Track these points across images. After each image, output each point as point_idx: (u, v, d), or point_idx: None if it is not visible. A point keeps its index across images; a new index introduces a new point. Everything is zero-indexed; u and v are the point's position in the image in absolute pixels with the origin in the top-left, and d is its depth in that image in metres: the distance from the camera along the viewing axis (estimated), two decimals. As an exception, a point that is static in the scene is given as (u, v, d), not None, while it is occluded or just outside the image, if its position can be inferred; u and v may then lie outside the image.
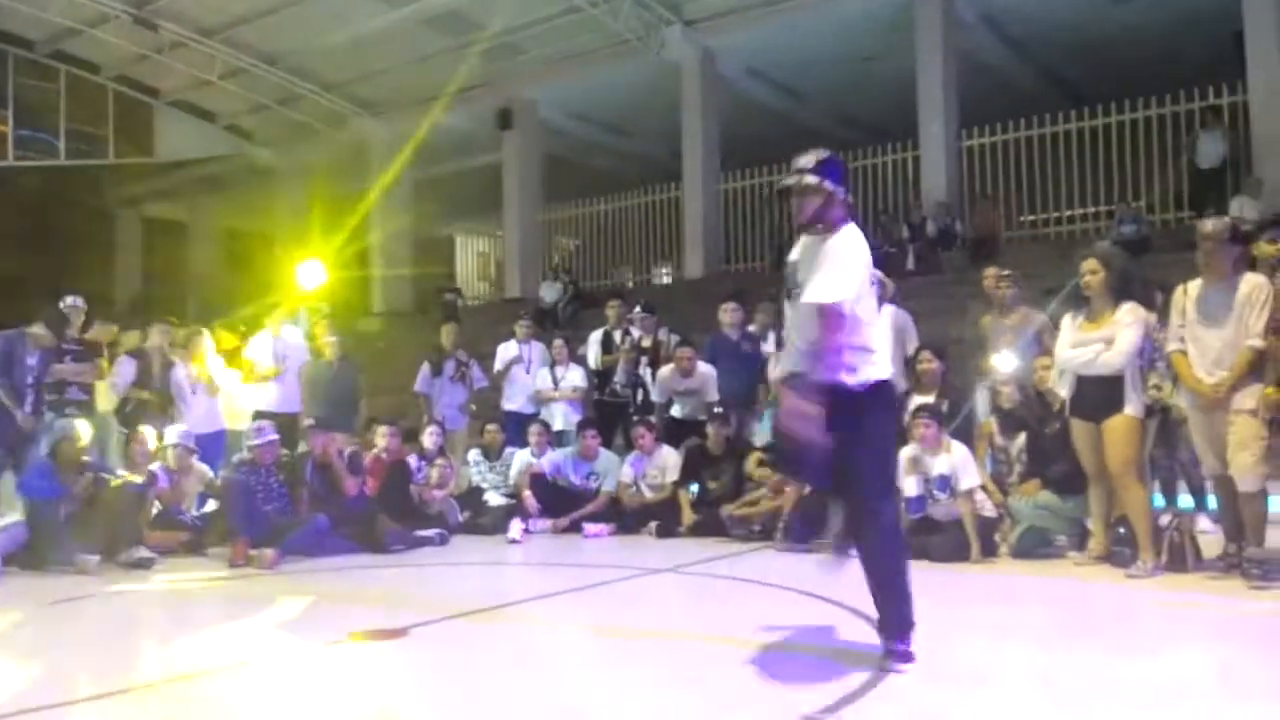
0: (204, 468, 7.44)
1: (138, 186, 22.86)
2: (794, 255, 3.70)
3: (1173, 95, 13.16)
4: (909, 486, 6.00)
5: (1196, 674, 3.44)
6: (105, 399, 8.15)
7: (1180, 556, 5.27)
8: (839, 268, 3.44)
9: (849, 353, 3.43)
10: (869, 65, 15.44)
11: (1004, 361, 6.61)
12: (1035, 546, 5.96)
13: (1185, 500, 6.67)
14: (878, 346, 3.57)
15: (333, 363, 8.90)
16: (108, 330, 8.79)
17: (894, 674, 3.32)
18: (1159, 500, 6.35)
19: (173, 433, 7.30)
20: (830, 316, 3.37)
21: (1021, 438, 6.30)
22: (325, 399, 8.62)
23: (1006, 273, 7.28)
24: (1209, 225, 5.31)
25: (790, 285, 3.68)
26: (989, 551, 5.90)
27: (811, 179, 3.53)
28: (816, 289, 3.42)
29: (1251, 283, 5.04)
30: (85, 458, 6.47)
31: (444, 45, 16.51)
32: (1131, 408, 5.32)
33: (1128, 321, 5.32)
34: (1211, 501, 5.94)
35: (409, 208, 19.87)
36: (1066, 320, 5.62)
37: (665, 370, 8.35)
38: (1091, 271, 5.45)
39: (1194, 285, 5.23)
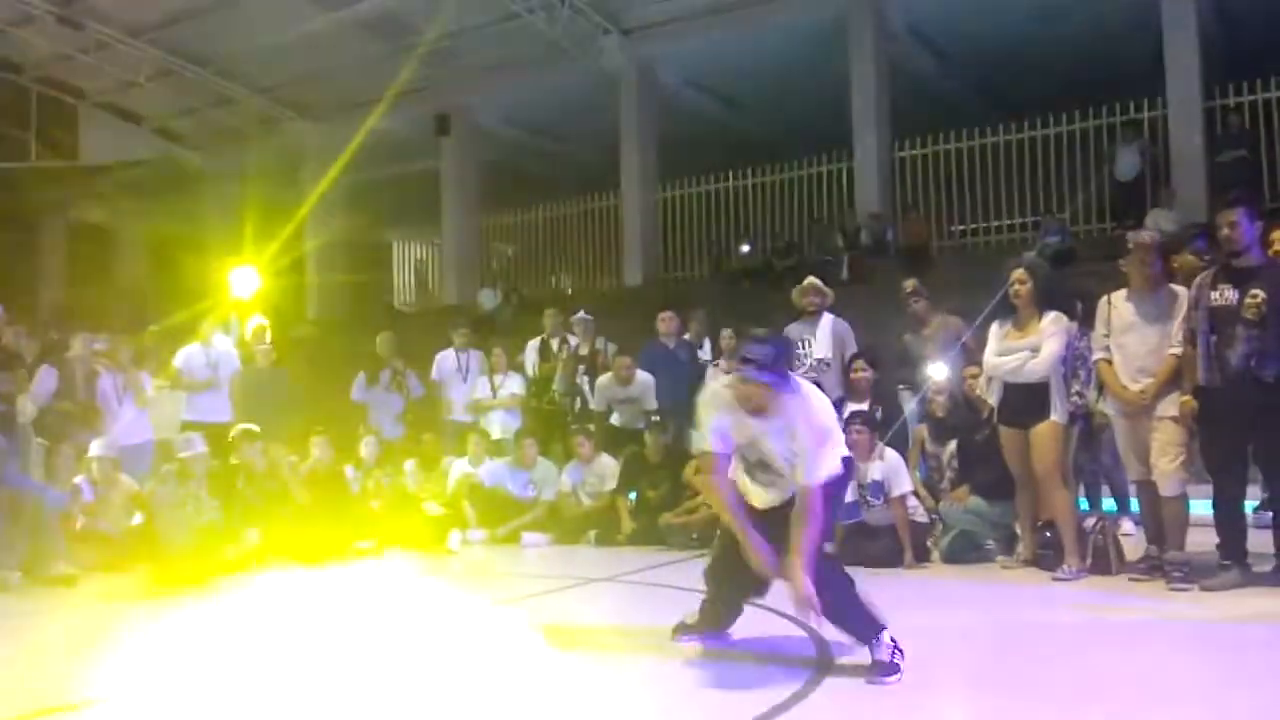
0: (129, 480, 7.25)
1: (61, 190, 22.18)
2: (751, 420, 3.67)
3: (1095, 109, 13.55)
4: (846, 493, 6.10)
5: (1117, 676, 3.54)
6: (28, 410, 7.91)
7: (1104, 559, 5.43)
8: (821, 443, 3.61)
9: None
10: (805, 76, 15.62)
11: (937, 371, 6.76)
12: (965, 551, 6.08)
13: (1108, 504, 6.87)
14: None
15: (264, 370, 8.80)
16: (30, 346, 8.52)
17: (883, 684, 3.38)
18: (1084, 504, 6.53)
19: (97, 445, 7.11)
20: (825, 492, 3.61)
21: (952, 445, 6.44)
22: (259, 407, 8.49)
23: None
24: (1144, 236, 5.50)
25: (750, 461, 3.79)
26: (921, 556, 6.02)
27: (754, 376, 3.52)
28: (811, 471, 3.57)
29: (1173, 293, 5.21)
30: (7, 472, 6.27)
31: (380, 50, 16.33)
32: (1056, 414, 5.47)
33: (1052, 331, 5.47)
34: (1134, 505, 6.12)
35: (344, 214, 19.59)
36: (994, 328, 5.75)
37: (604, 379, 8.37)
38: (1020, 281, 5.59)
39: (1118, 295, 5.39)
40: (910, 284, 7.64)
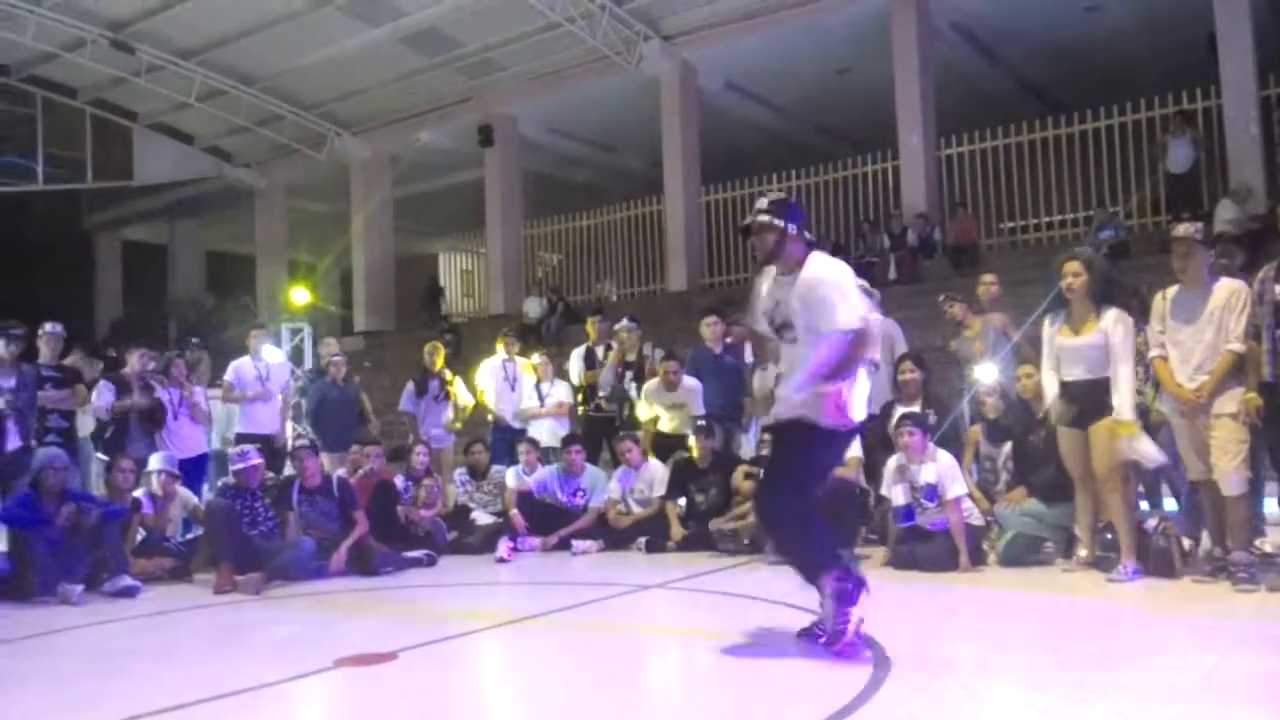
0: (188, 493, 7.39)
1: (117, 210, 22.77)
2: (763, 293, 3.99)
3: (1147, 100, 13.29)
4: (896, 495, 6.03)
5: (1183, 679, 3.44)
6: (86, 425, 8.10)
7: (1167, 560, 5.29)
8: (839, 293, 3.75)
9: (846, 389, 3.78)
10: (847, 76, 15.55)
11: (986, 373, 6.65)
12: (1023, 554, 5.97)
13: (1170, 504, 6.70)
14: (858, 386, 3.90)
15: (338, 383, 9.00)
16: (90, 366, 8.74)
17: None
18: (1144, 505, 6.38)
19: (156, 459, 7.24)
20: (860, 339, 3.72)
21: (1007, 446, 6.33)
22: (331, 420, 8.67)
23: (945, 295, 7.61)
24: (1181, 229, 5.37)
25: (777, 325, 3.96)
26: (977, 560, 5.91)
27: (765, 218, 3.86)
28: (836, 320, 3.72)
29: (1229, 288, 5.07)
30: (67, 486, 6.41)
31: (423, 63, 16.55)
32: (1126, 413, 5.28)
33: (1120, 331, 5.27)
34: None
35: (391, 226, 19.86)
36: (1046, 325, 5.62)
37: (651, 384, 8.35)
38: (1074, 274, 5.40)
39: (1171, 291, 5.26)
40: (942, 296, 7.71)
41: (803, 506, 3.92)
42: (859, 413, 3.96)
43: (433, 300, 20.07)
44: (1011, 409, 6.39)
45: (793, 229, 3.87)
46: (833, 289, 3.77)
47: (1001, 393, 6.46)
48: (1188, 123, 12.54)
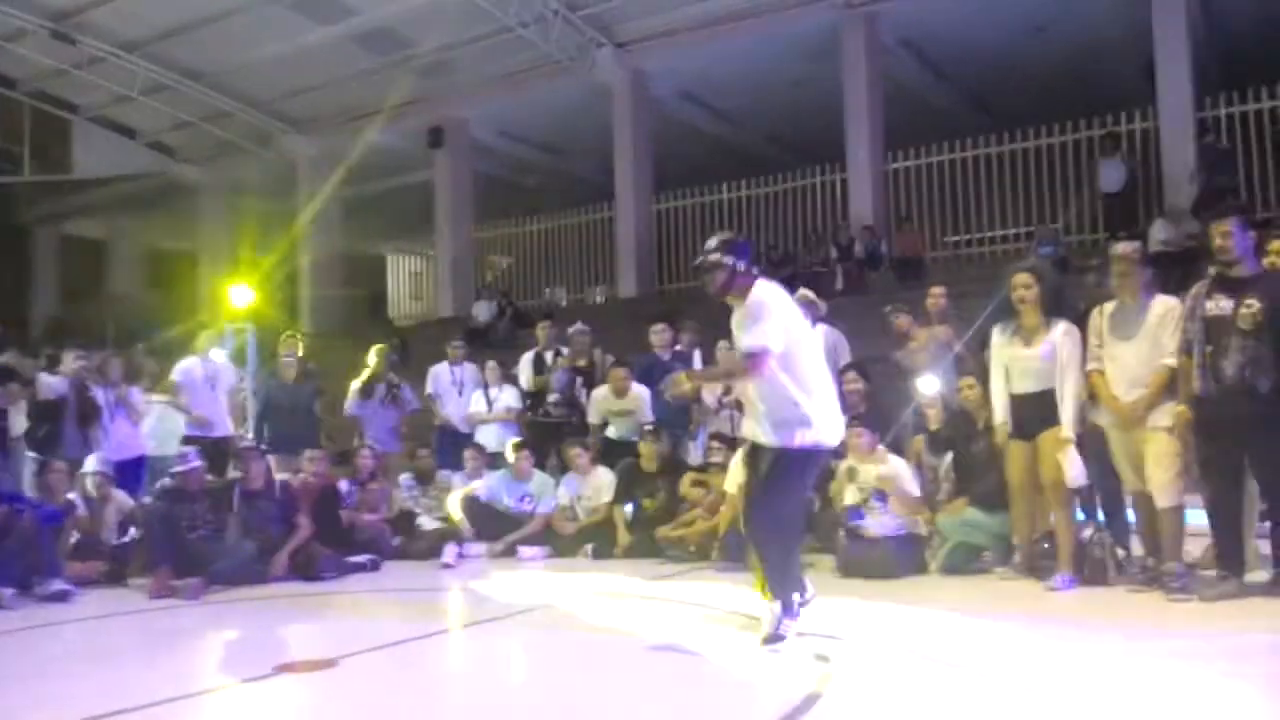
0: (123, 495, 7.22)
1: (55, 204, 22.20)
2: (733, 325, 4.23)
3: (1088, 120, 13.62)
4: (848, 495, 6.16)
5: (1117, 688, 3.53)
6: (18, 425, 7.89)
7: (1101, 570, 5.41)
8: (758, 320, 4.06)
9: (796, 408, 4.06)
10: (798, 89, 15.71)
11: (927, 384, 6.77)
12: (963, 562, 6.06)
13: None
14: (822, 404, 4.14)
15: (289, 384, 8.84)
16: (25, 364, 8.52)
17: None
18: (1080, 515, 6.51)
19: (92, 460, 7.08)
20: (753, 361, 4.03)
21: (948, 457, 6.43)
22: (285, 421, 8.52)
23: (889, 308, 7.74)
24: (1120, 247, 5.49)
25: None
26: (919, 569, 6.01)
27: (714, 256, 4.17)
28: (742, 340, 4.09)
29: (1164, 304, 5.21)
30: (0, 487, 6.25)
31: (374, 63, 16.38)
32: (1068, 427, 5.34)
33: (1069, 344, 5.36)
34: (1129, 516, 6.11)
35: (339, 226, 19.62)
36: (996, 334, 5.72)
37: (600, 391, 8.35)
38: (1025, 286, 5.48)
39: (1109, 307, 5.38)
40: (888, 308, 7.84)
41: (781, 525, 4.20)
42: (832, 436, 4.22)
43: (375, 310, 19.90)
44: (953, 419, 6.50)
45: (741, 265, 4.17)
46: (750, 313, 4.09)
47: (944, 403, 6.58)
48: (1116, 144, 12.90)
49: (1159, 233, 11.00)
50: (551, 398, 8.84)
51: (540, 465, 8.32)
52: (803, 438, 4.07)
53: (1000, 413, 5.63)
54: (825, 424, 4.15)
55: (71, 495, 6.82)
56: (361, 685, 3.91)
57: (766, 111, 16.86)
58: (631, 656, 4.22)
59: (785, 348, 4.05)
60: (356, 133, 18.18)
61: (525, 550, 7.52)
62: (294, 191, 19.29)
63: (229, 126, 18.57)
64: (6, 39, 15.68)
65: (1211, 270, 5.12)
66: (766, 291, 4.16)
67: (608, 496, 7.66)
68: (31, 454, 7.69)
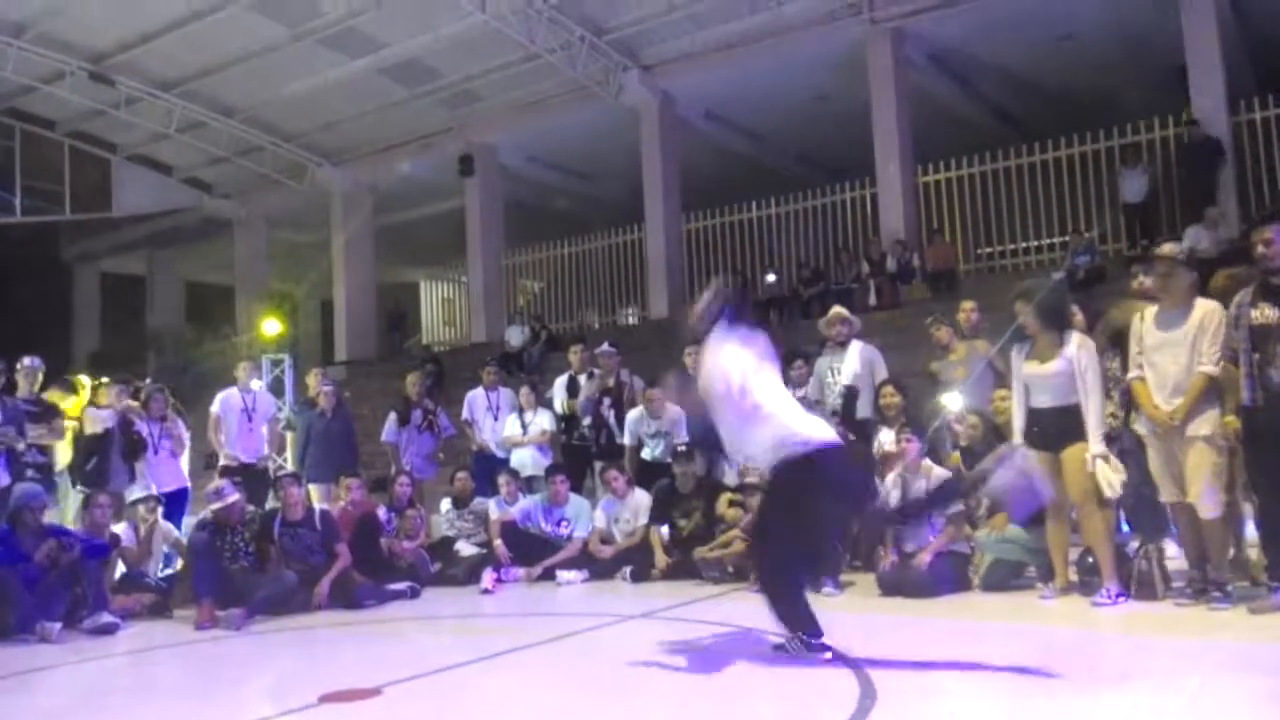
0: (169, 526, 7.33)
1: (96, 242, 22.64)
2: None
3: (1120, 129, 13.49)
4: (891, 499, 6.14)
5: (1167, 704, 3.46)
6: (63, 459, 8.04)
7: (1149, 584, 5.32)
8: (713, 364, 4.41)
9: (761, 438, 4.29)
10: (825, 105, 15.71)
11: (952, 400, 6.72)
12: (1005, 579, 5.98)
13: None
14: (785, 425, 4.27)
15: (325, 412, 8.95)
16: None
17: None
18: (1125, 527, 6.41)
19: (136, 491, 7.19)
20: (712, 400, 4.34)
21: (984, 471, 6.37)
22: (324, 450, 8.62)
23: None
24: (1165, 248, 5.41)
25: None
26: (961, 586, 5.94)
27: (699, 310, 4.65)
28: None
29: (1205, 309, 5.10)
30: (46, 522, 6.35)
31: (404, 94, 16.62)
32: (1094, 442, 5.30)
33: (1085, 357, 5.33)
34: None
35: (372, 255, 19.84)
36: (1013, 354, 5.69)
37: (634, 412, 8.36)
38: (1020, 312, 5.55)
39: (1150, 311, 5.29)
40: (929, 319, 7.75)
41: (788, 552, 4.32)
42: (816, 434, 4.30)
43: (395, 328, 20.08)
44: (989, 434, 6.44)
45: (711, 313, 4.62)
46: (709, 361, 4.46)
47: (980, 417, 6.52)
48: (1139, 155, 12.79)
49: (1194, 239, 10.85)
50: (585, 421, 8.86)
51: (575, 489, 8.33)
52: (782, 452, 4.22)
53: (1018, 430, 5.59)
54: (805, 430, 4.27)
55: (117, 528, 6.91)
56: (407, 714, 3.92)
57: (794, 129, 16.87)
58: (673, 680, 4.20)
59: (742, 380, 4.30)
60: (388, 163, 18.44)
61: (564, 574, 7.52)
62: (327, 222, 19.56)
63: (263, 161, 18.89)
64: (46, 81, 16.08)
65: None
66: (718, 340, 4.49)
67: (644, 519, 7.66)
68: (79, 488, 7.82)
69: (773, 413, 4.28)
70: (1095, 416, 5.28)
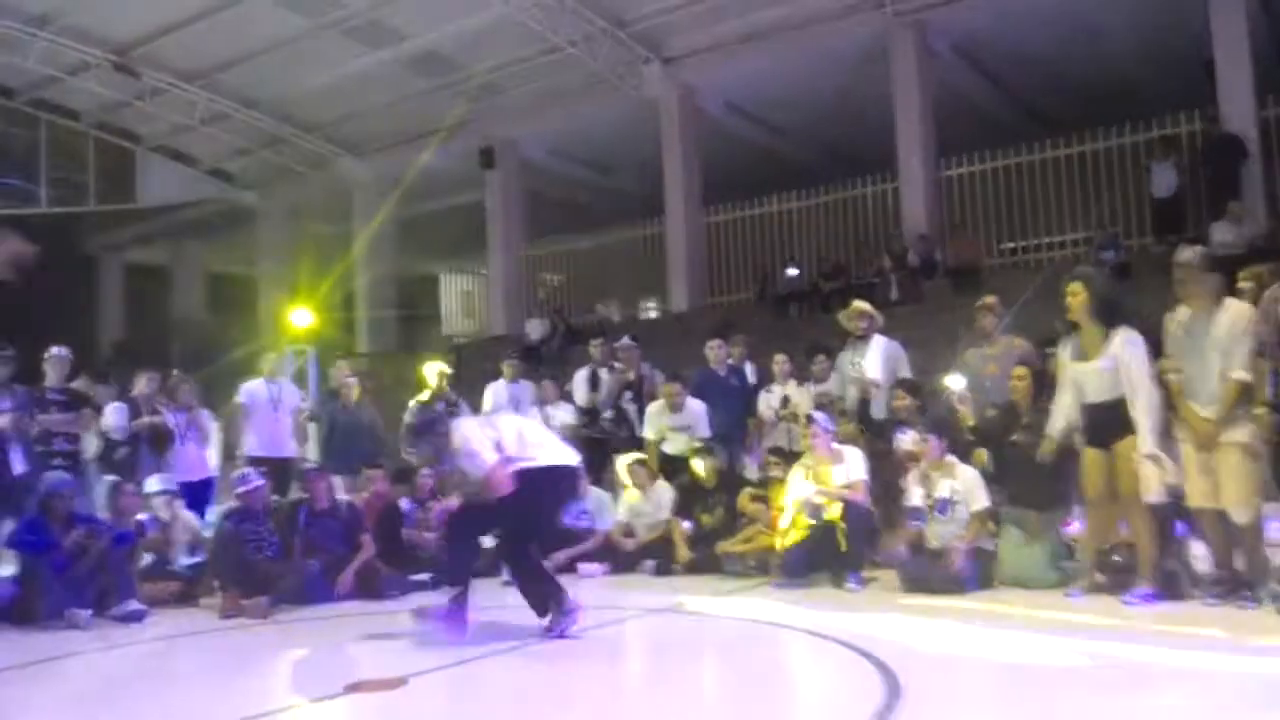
0: (190, 516, 7.37)
1: (120, 233, 22.83)
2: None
3: (1145, 123, 13.36)
4: (913, 496, 6.15)
5: (1198, 703, 3.44)
6: (91, 448, 8.10)
7: (1176, 583, 5.27)
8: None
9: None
10: (847, 98, 15.62)
11: (954, 381, 6.68)
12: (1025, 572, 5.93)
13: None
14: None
15: (350, 405, 8.97)
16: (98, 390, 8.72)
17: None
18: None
19: (154, 481, 7.23)
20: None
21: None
22: (348, 442, 8.65)
23: (985, 303, 7.34)
24: (1183, 254, 5.29)
25: None
26: (986, 583, 5.91)
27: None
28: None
29: (1232, 312, 5.02)
30: (75, 510, 6.41)
31: (425, 86, 16.65)
32: (1147, 440, 5.14)
33: (1130, 353, 5.20)
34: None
35: (393, 247, 19.91)
36: (1060, 351, 5.61)
37: (655, 406, 8.35)
38: (1073, 294, 5.39)
39: (1181, 312, 5.20)
40: (990, 299, 7.37)
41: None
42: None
43: (429, 329, 20.12)
44: (995, 414, 6.41)
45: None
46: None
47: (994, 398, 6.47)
48: (1170, 148, 12.64)
49: (1220, 234, 10.75)
50: (606, 414, 8.86)
51: (596, 481, 8.33)
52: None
53: (1058, 424, 5.52)
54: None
55: (143, 517, 6.97)
56: (432, 704, 3.94)
57: (815, 122, 16.79)
58: (697, 672, 4.21)
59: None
60: (409, 155, 18.48)
61: (585, 567, 7.52)
62: (350, 214, 19.65)
63: (286, 152, 18.98)
64: (71, 72, 16.21)
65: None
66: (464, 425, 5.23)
67: (666, 513, 7.65)
68: (109, 477, 7.87)
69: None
70: (1144, 415, 5.11)
